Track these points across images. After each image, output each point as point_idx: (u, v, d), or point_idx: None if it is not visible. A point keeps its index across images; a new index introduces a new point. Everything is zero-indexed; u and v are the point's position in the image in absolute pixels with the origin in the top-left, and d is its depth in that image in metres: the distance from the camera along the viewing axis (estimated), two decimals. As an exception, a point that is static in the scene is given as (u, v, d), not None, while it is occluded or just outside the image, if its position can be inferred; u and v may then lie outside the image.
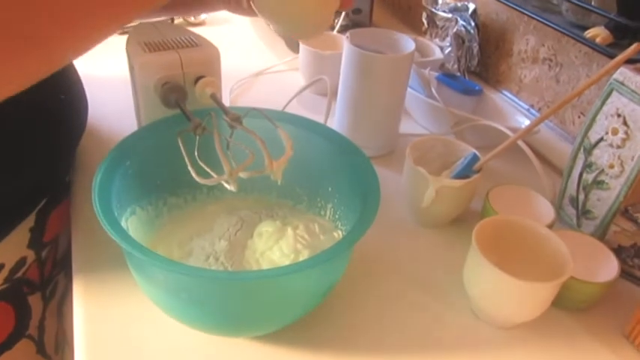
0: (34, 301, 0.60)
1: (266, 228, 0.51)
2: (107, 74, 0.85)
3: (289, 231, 0.50)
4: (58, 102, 0.56)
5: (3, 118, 0.48)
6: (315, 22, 0.50)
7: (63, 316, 0.67)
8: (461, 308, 0.53)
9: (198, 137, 0.47)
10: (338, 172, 0.53)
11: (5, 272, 0.54)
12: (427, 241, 0.61)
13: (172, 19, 1.08)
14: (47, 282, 0.62)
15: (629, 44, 0.47)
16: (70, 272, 0.64)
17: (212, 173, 0.44)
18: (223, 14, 1.15)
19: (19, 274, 0.57)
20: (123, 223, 0.45)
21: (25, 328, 0.59)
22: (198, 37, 0.61)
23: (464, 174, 0.59)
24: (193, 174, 0.44)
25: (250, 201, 0.58)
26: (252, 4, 0.48)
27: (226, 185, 0.44)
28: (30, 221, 0.56)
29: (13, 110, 0.47)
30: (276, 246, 0.50)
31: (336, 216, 0.54)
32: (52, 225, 0.60)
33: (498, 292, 0.48)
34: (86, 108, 0.63)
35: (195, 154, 0.45)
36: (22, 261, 0.56)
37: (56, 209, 0.60)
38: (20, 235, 0.55)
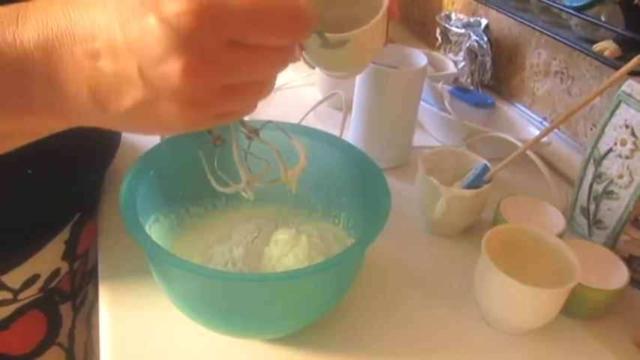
0: (65, 310, 0.62)
1: (282, 235, 0.53)
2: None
3: (304, 238, 0.52)
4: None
5: (43, 137, 0.50)
6: (361, 66, 0.55)
7: (91, 325, 0.69)
8: (471, 315, 0.54)
9: (217, 149, 0.49)
10: (351, 183, 0.55)
11: (41, 282, 0.57)
12: (439, 249, 0.62)
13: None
14: (77, 292, 0.64)
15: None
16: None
17: (230, 182, 0.46)
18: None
19: (53, 284, 0.59)
20: (146, 230, 0.47)
21: (55, 336, 0.61)
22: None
23: (475, 184, 0.60)
24: (213, 183, 0.46)
25: (267, 210, 0.60)
26: (304, 55, 0.50)
27: (244, 193, 0.46)
28: (65, 234, 0.58)
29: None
30: (291, 253, 0.52)
31: (349, 224, 0.56)
32: (85, 238, 0.62)
33: (508, 299, 0.49)
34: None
35: (215, 164, 0.47)
36: (56, 272, 0.59)
37: (89, 223, 0.62)
38: (56, 246, 0.58)
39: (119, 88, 0.28)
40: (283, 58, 0.30)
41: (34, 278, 0.56)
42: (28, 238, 0.54)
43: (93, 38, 0.27)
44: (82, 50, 0.27)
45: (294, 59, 0.46)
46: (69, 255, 0.60)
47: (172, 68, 0.26)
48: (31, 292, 0.57)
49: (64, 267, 0.60)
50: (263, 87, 0.31)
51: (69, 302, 0.63)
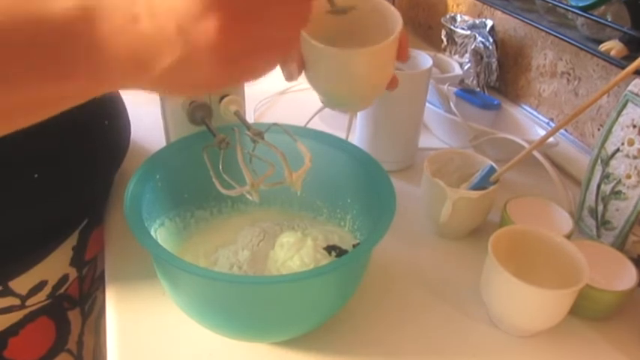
0: (74, 316, 0.62)
1: (287, 239, 0.53)
2: (137, 94, 0.89)
3: (309, 241, 0.52)
4: (102, 127, 0.58)
5: (51, 142, 0.50)
6: (363, 101, 0.51)
7: (100, 332, 0.69)
8: (479, 317, 0.53)
9: (222, 151, 0.50)
10: (357, 185, 0.55)
11: (49, 289, 0.57)
12: (446, 251, 0.62)
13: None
14: (86, 298, 0.64)
15: (642, 56, 0.48)
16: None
17: (235, 185, 0.46)
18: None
19: (62, 290, 0.59)
20: (152, 234, 0.47)
21: (64, 342, 0.61)
22: (223, 58, 0.64)
23: (481, 186, 0.60)
24: (218, 185, 0.46)
25: (272, 213, 0.60)
26: (305, 74, 0.48)
27: (248, 196, 0.47)
28: (73, 240, 0.58)
29: (59, 134, 0.50)
30: (296, 256, 0.51)
31: (355, 227, 0.56)
32: (93, 244, 0.62)
33: (515, 300, 0.49)
34: (129, 134, 0.65)
35: (220, 167, 0.48)
36: (64, 278, 0.59)
37: (97, 229, 0.62)
38: (64, 253, 0.58)
39: (159, 49, 0.29)
40: (305, 9, 0.32)
41: (42, 284, 0.56)
42: (35, 245, 0.54)
43: (133, 3, 0.28)
44: (122, 14, 0.28)
45: (291, 77, 0.46)
46: (77, 261, 0.60)
47: (210, 25, 0.27)
48: (39, 299, 0.57)
49: (73, 273, 0.60)
50: (289, 42, 0.34)
51: (77, 308, 0.63)
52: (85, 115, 0.50)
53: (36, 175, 0.50)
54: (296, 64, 0.45)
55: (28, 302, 0.56)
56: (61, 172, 0.53)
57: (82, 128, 0.54)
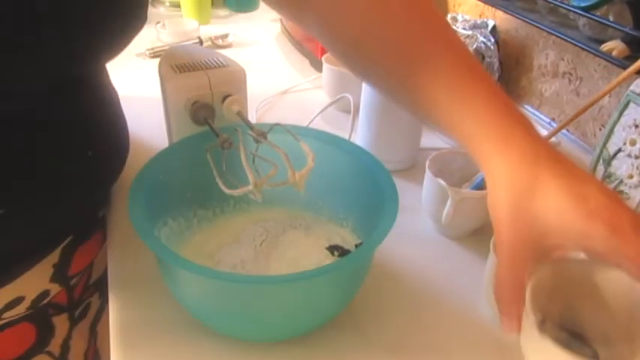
0: (60, 320, 0.60)
1: (290, 238, 0.53)
2: (141, 95, 0.89)
3: (312, 241, 0.53)
4: (85, 158, 0.52)
5: (37, 160, 0.48)
6: None
7: (97, 336, 0.67)
8: (482, 317, 0.53)
9: (225, 151, 0.50)
10: (359, 185, 0.55)
11: (27, 303, 0.55)
12: (448, 251, 0.62)
13: (201, 42, 1.12)
14: (77, 304, 0.62)
15: (645, 56, 0.48)
16: (105, 293, 0.64)
17: (238, 185, 0.46)
18: (250, 36, 1.19)
19: (44, 302, 0.57)
20: (155, 234, 0.48)
21: (44, 345, 0.59)
22: (225, 58, 0.64)
23: (483, 186, 0.60)
24: (221, 185, 0.46)
25: (275, 213, 0.60)
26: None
27: (251, 196, 0.47)
28: (54, 257, 0.55)
29: (46, 152, 0.48)
30: (299, 256, 0.52)
31: (357, 227, 0.56)
32: (79, 260, 0.59)
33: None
34: (126, 151, 0.61)
35: (223, 167, 0.48)
36: (44, 293, 0.56)
37: (84, 245, 0.59)
38: (42, 270, 0.55)
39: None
40: None
41: (18, 300, 0.54)
42: (9, 263, 0.51)
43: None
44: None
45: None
46: (59, 277, 0.57)
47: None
48: (17, 312, 0.55)
49: (54, 288, 0.57)
50: None
51: (65, 314, 0.60)
52: (69, 144, 0.49)
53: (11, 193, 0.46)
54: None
55: (5, 315, 0.54)
56: (48, 188, 0.49)
57: (64, 156, 0.50)
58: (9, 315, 0.54)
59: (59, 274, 0.57)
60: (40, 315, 0.57)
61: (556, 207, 0.35)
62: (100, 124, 0.55)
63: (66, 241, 0.56)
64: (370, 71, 0.47)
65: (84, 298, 0.63)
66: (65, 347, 0.61)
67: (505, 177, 0.37)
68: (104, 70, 0.59)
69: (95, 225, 0.62)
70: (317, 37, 0.49)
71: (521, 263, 0.37)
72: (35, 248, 0.53)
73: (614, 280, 0.38)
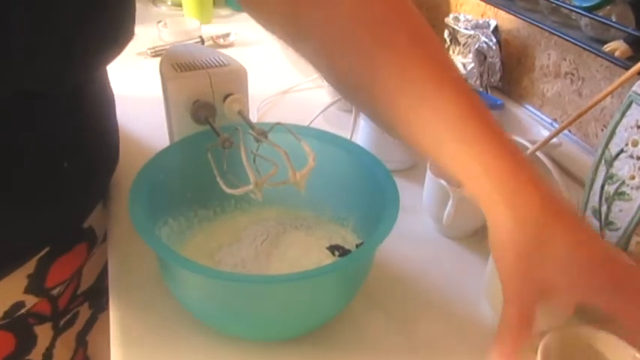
0: (42, 330, 0.58)
1: (291, 238, 0.53)
2: (141, 94, 0.89)
3: (313, 241, 0.53)
4: (61, 169, 0.51)
5: (12, 171, 0.47)
6: None
7: (86, 344, 0.66)
8: (482, 317, 0.53)
9: (226, 151, 0.50)
10: (360, 185, 0.55)
11: (0, 313, 0.53)
12: (449, 251, 0.62)
13: (202, 41, 1.12)
14: (62, 314, 0.60)
15: (648, 56, 0.48)
16: (98, 302, 0.64)
17: (239, 184, 0.46)
18: (251, 36, 1.19)
19: (21, 312, 0.55)
20: (156, 233, 0.47)
21: (25, 353, 0.57)
22: (226, 57, 0.64)
23: (484, 186, 0.60)
24: (222, 184, 0.46)
25: (276, 212, 0.60)
26: None
27: (252, 195, 0.47)
28: (29, 268, 0.53)
29: (20, 162, 0.47)
30: (300, 255, 0.52)
31: (358, 227, 0.56)
32: (57, 272, 0.56)
33: None
34: (113, 162, 0.60)
35: (224, 166, 0.48)
36: (18, 305, 0.54)
37: (63, 257, 0.56)
38: (15, 280, 0.52)
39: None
40: None
41: None
42: None
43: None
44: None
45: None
46: (35, 289, 0.54)
47: None
48: None
49: (30, 299, 0.55)
50: None
51: (48, 323, 0.59)
52: (44, 155, 0.48)
53: None
54: None
55: None
56: (24, 193, 0.48)
57: (39, 167, 0.49)
58: None
59: (35, 286, 0.54)
60: (19, 324, 0.55)
61: (563, 258, 0.36)
62: (79, 136, 0.53)
63: (42, 252, 0.54)
64: (371, 106, 0.46)
65: (70, 308, 0.61)
66: (47, 356, 0.60)
67: (512, 227, 0.37)
68: (95, 81, 0.57)
69: (78, 236, 0.59)
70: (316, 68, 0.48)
71: (528, 302, 0.37)
72: (6, 259, 0.51)
73: (615, 346, 0.40)
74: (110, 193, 0.67)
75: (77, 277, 0.61)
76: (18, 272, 0.52)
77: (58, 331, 0.60)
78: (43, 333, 0.59)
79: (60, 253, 0.56)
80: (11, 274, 0.52)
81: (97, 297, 0.65)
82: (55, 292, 0.58)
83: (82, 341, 0.65)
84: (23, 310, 0.55)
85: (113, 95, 0.62)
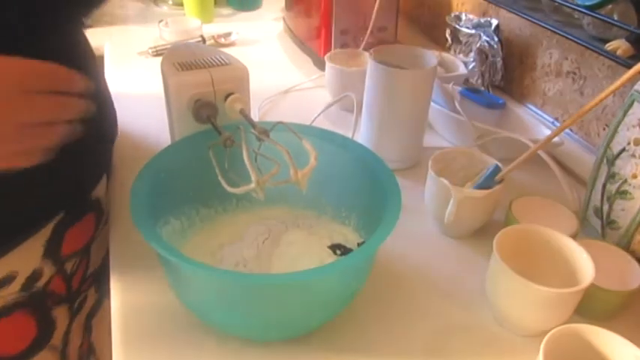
0: (60, 312, 0.60)
1: (292, 237, 0.53)
2: (143, 93, 0.89)
3: (314, 240, 0.53)
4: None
5: None
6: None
7: (91, 330, 0.67)
8: (483, 316, 0.53)
9: (228, 150, 0.50)
10: (362, 184, 0.55)
11: (21, 280, 0.55)
12: (450, 250, 0.62)
13: (204, 41, 1.12)
14: (75, 295, 0.62)
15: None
16: (102, 287, 0.65)
17: (241, 183, 0.46)
18: (253, 35, 1.19)
19: (40, 284, 0.56)
20: (158, 232, 0.47)
21: (48, 338, 0.59)
22: (228, 56, 0.64)
23: (486, 185, 0.60)
24: (224, 183, 0.46)
25: (277, 211, 0.60)
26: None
27: (254, 194, 0.47)
28: (46, 233, 0.56)
29: None
30: (301, 254, 0.52)
31: (360, 225, 0.56)
32: (72, 239, 0.59)
33: (520, 300, 0.49)
34: (115, 126, 0.62)
35: (225, 165, 0.48)
36: (38, 271, 0.56)
37: (75, 225, 0.59)
38: (33, 246, 0.55)
39: None
40: None
41: (11, 277, 0.54)
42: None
43: None
44: None
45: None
46: (51, 255, 0.57)
47: None
48: (12, 290, 0.54)
49: (48, 267, 0.57)
50: None
51: (65, 305, 0.60)
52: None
53: None
54: None
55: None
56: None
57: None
58: (3, 293, 0.54)
59: (51, 252, 0.57)
60: (38, 305, 0.57)
61: None
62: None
63: (57, 219, 0.57)
64: None
65: (82, 288, 0.63)
66: (65, 341, 0.61)
67: None
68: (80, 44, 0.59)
69: (87, 206, 0.62)
70: None
71: None
72: (25, 222, 0.54)
73: (616, 345, 0.43)
74: (111, 192, 0.67)
75: (87, 255, 0.63)
76: (36, 238, 0.55)
77: (73, 314, 0.62)
78: (61, 315, 0.60)
79: (72, 221, 0.59)
80: (30, 239, 0.54)
81: (102, 282, 0.66)
82: (68, 267, 0.59)
83: (87, 327, 0.66)
84: (42, 283, 0.57)
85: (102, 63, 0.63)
